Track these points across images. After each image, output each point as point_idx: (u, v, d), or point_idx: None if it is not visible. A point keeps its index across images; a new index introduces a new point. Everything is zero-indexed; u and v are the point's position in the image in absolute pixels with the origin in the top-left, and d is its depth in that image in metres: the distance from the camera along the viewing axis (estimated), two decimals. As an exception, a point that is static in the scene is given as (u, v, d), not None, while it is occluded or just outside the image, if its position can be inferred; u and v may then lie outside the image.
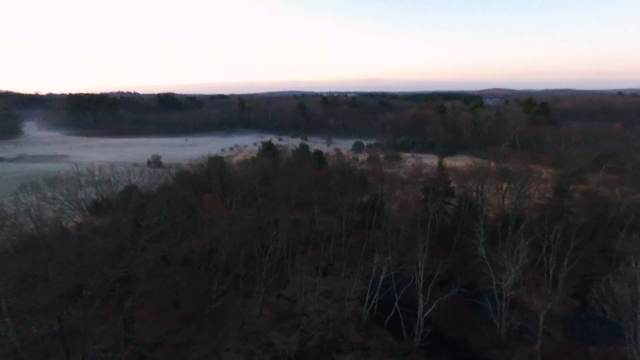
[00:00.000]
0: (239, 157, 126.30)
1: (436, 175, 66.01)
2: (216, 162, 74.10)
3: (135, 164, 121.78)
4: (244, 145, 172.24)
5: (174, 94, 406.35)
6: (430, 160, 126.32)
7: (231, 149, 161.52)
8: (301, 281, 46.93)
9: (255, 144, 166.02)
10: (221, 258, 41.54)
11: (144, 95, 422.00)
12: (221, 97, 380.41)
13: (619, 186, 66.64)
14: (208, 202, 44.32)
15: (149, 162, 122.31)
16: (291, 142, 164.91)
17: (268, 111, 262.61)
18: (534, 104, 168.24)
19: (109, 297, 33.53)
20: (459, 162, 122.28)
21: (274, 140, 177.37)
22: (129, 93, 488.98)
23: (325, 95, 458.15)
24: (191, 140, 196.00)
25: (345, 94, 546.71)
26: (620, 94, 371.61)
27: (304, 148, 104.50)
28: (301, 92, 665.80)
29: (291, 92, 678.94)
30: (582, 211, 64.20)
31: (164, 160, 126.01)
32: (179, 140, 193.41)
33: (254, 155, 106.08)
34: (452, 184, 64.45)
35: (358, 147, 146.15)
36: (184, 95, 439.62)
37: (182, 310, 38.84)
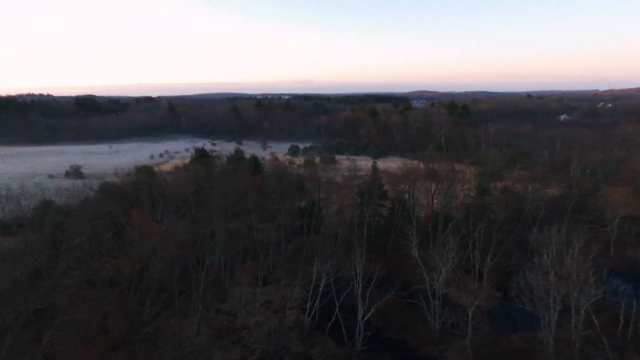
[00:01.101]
0: (170, 165, 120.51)
1: (370, 179, 67.97)
2: (145, 172, 69.95)
3: (50, 176, 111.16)
4: (174, 151, 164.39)
5: (94, 96, 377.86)
6: (364, 162, 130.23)
7: (161, 155, 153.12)
8: (240, 293, 45.85)
9: (187, 150, 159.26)
10: (153, 276, 39.19)
11: (58, 97, 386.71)
12: (148, 100, 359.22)
13: (530, 183, 73.61)
14: (137, 217, 41.50)
15: (67, 173, 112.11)
16: (225, 147, 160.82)
17: (200, 115, 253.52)
18: (457, 106, 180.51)
19: (23, 331, 30.07)
20: (391, 163, 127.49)
21: (207, 145, 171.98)
22: (41, 95, 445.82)
23: (259, 97, 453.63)
24: (116, 147, 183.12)
25: (279, 96, 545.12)
26: (528, 95, 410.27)
27: (239, 154, 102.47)
28: (234, 94, 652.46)
29: (223, 93, 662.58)
30: (501, 208, 70.00)
31: (85, 170, 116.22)
32: (102, 147, 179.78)
33: (186, 162, 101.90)
34: (386, 187, 66.80)
35: (294, 151, 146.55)
36: (106, 97, 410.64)
37: (111, 336, 35.99)
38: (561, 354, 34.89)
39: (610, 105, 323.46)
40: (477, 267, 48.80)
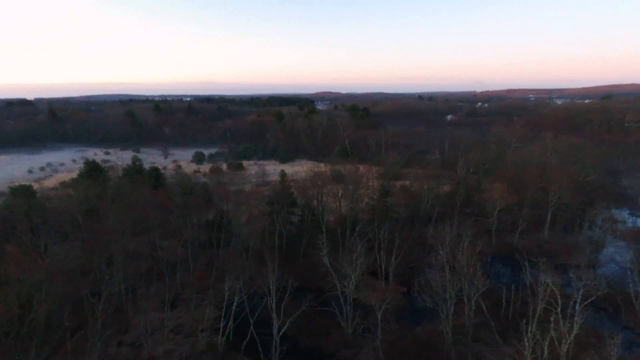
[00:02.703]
0: (54, 180, 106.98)
1: (279, 187, 68.06)
2: (22, 193, 60.92)
3: None
4: (59, 163, 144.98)
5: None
6: (273, 167, 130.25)
7: (42, 169, 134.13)
8: (146, 321, 42.53)
9: (74, 161, 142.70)
10: (39, 317, 34.33)
11: None
12: (23, 103, 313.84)
13: (425, 181, 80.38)
14: (12, 253, 35.90)
15: None
16: (121, 157, 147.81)
17: (89, 120, 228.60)
18: (358, 109, 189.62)
19: None
20: (299, 167, 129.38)
21: (100, 155, 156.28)
22: None
23: (157, 99, 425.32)
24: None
25: (180, 98, 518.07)
26: (420, 97, 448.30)
27: (137, 165, 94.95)
28: (127, 95, 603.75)
29: (114, 95, 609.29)
30: (402, 206, 75.35)
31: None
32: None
33: (74, 176, 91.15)
34: (295, 195, 67.47)
35: (199, 158, 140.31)
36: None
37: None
38: (458, 341, 38.78)
39: (486, 105, 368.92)
40: (383, 267, 51.76)
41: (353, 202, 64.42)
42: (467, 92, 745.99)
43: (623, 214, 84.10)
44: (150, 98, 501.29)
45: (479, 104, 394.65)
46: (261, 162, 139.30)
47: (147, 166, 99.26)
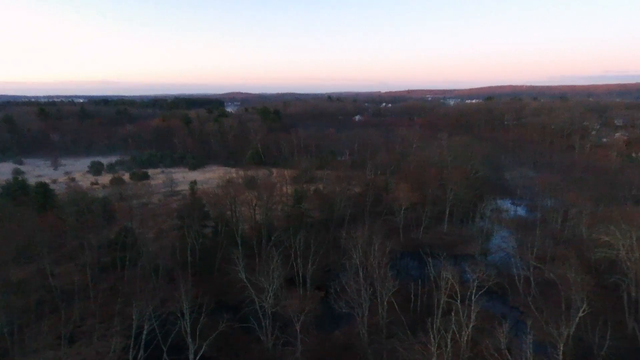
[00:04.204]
0: None
1: (189, 200, 64.92)
2: None
3: None
4: None
5: None
6: (182, 174, 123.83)
7: None
8: (38, 363, 37.66)
9: None
10: None
11: None
12: None
13: (337, 183, 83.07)
14: None
15: None
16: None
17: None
18: (269, 112, 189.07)
19: None
20: (211, 173, 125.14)
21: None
22: None
23: (42, 102, 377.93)
24: None
25: (70, 100, 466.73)
26: (329, 98, 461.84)
27: (19, 180, 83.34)
28: (4, 96, 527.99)
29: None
30: (316, 209, 76.97)
31: None
32: None
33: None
34: (207, 207, 64.93)
35: (96, 169, 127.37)
36: None
37: None
38: (373, 341, 40.84)
39: (390, 105, 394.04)
40: (300, 274, 52.30)
41: (268, 211, 64.03)
42: (372, 92, 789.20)
43: (507, 204, 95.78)
44: (33, 100, 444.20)
45: (383, 104, 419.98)
46: (169, 170, 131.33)
47: (32, 181, 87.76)
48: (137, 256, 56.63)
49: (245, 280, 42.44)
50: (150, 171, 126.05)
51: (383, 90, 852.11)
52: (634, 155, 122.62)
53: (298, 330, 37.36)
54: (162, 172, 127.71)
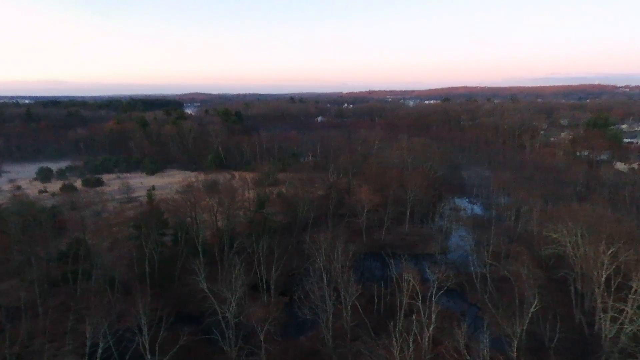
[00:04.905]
0: None
1: (147, 209, 62.46)
2: None
3: None
4: None
5: None
6: (139, 180, 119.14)
7: None
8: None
9: None
10: None
11: None
12: None
13: (300, 186, 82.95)
14: None
15: None
16: None
17: None
18: (230, 114, 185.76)
19: None
20: (170, 178, 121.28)
21: None
22: None
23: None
24: None
25: (14, 101, 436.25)
26: (292, 99, 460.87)
27: (-44, 191, 76.84)
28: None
29: None
30: (279, 213, 76.41)
31: None
32: None
33: None
34: (166, 215, 62.71)
35: (45, 175, 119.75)
36: None
37: None
38: (338, 345, 40.98)
39: (351, 106, 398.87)
40: (264, 280, 51.66)
41: (230, 217, 62.81)
42: (334, 93, 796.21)
43: (464, 203, 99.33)
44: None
45: (345, 105, 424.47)
46: (125, 175, 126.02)
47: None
48: (90, 269, 53.86)
49: (206, 290, 41.34)
50: (105, 177, 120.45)
51: (345, 90, 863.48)
52: (578, 153, 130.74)
53: (262, 339, 36.82)
54: (118, 177, 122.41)
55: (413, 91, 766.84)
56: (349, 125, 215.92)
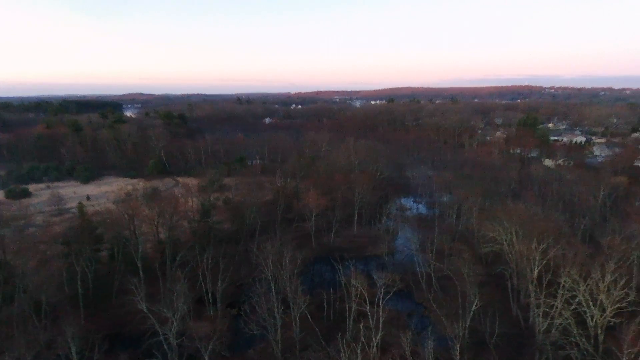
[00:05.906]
0: None
1: (78, 224, 57.62)
2: None
3: None
4: None
5: None
6: (72, 190, 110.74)
7: None
8: None
9: None
10: None
11: None
12: None
13: (248, 191, 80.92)
14: None
15: None
16: None
17: None
18: (173, 116, 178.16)
19: None
20: (107, 186, 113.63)
21: None
22: None
23: None
24: None
25: None
26: (238, 99, 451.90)
27: None
28: None
29: None
30: (226, 221, 73.93)
31: None
32: None
33: None
34: (100, 228, 58.23)
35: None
36: None
37: None
38: (287, 357, 40.14)
39: (299, 106, 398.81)
40: (210, 293, 49.58)
41: (172, 228, 59.68)
42: (282, 94, 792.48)
43: (410, 203, 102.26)
44: None
45: (293, 105, 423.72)
46: (56, 184, 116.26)
47: None
48: (12, 292, 48.69)
49: (146, 310, 38.78)
50: (32, 187, 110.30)
51: (292, 91, 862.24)
52: (511, 151, 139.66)
53: (207, 358, 35.11)
54: (48, 187, 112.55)
55: (359, 91, 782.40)
56: (297, 126, 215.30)
